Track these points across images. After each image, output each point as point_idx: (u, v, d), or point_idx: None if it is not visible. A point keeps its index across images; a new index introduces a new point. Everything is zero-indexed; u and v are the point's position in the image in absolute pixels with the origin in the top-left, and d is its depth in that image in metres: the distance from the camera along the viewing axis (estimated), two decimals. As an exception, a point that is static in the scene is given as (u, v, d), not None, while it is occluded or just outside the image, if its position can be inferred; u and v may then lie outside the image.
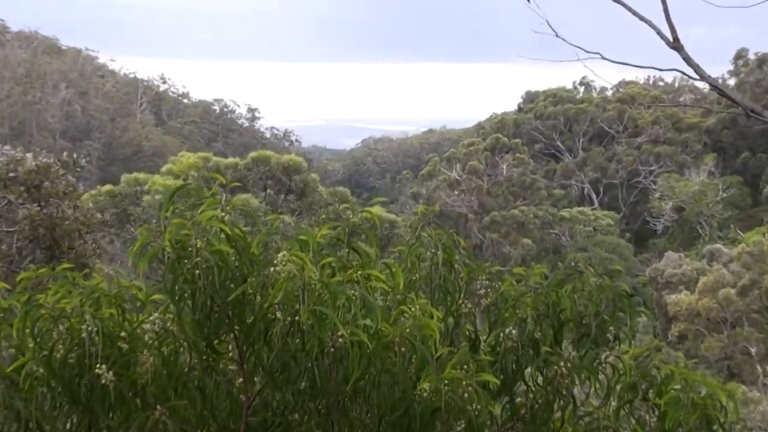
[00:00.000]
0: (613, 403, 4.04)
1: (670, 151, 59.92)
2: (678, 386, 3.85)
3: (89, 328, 3.41)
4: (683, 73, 4.82)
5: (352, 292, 3.48)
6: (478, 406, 3.51)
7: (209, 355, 3.66)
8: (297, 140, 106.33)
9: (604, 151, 63.58)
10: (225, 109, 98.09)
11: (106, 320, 3.51)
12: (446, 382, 3.47)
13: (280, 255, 3.44)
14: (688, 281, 36.89)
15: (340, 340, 3.37)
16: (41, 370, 3.49)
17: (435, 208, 48.52)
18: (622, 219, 56.47)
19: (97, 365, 3.39)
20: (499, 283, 4.18)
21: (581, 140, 65.09)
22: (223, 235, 3.53)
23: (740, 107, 4.73)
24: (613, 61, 4.92)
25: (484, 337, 4.19)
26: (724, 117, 58.73)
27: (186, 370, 3.65)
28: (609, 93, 70.44)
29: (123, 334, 3.60)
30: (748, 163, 59.48)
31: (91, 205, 17.65)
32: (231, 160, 34.25)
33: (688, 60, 4.67)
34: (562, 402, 3.97)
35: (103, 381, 3.39)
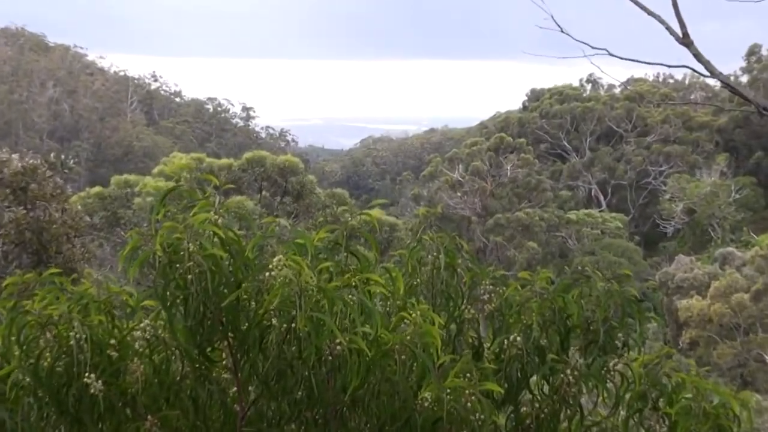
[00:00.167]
0: (621, 412, 4.03)
1: (680, 151, 59.90)
2: (689, 395, 3.84)
3: (77, 336, 3.41)
4: (693, 70, 4.84)
5: (351, 297, 3.48)
6: (482, 416, 3.51)
7: (202, 364, 3.66)
8: (293, 140, 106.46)
9: (612, 151, 63.57)
10: (218, 108, 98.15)
11: (95, 327, 3.51)
12: (448, 391, 3.46)
13: (275, 259, 3.43)
14: (699, 286, 36.88)
15: (338, 347, 3.37)
16: (27, 379, 3.49)
17: (437, 211, 48.49)
18: (631, 221, 56.44)
19: (86, 374, 3.39)
20: (504, 288, 4.18)
21: (588, 140, 65.09)
22: (216, 239, 3.53)
23: (753, 105, 4.74)
24: (620, 58, 4.93)
25: (488, 345, 4.19)
26: (736, 115, 58.71)
27: (178, 379, 3.64)
28: (617, 91, 70.43)
29: (112, 341, 3.59)
30: (761, 163, 59.47)
31: (79, 207, 17.64)
32: (225, 160, 34.23)
33: (698, 56, 4.68)
34: (569, 412, 3.97)
35: (92, 390, 3.39)
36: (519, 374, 3.98)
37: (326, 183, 75.27)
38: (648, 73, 79.31)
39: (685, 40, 4.64)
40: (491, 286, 4.16)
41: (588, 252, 46.26)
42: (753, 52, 63.87)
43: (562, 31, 4.84)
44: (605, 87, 73.76)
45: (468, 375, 3.56)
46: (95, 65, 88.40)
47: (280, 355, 3.40)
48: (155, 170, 33.32)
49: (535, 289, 4.14)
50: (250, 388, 3.78)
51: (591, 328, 4.06)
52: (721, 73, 4.87)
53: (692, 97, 69.01)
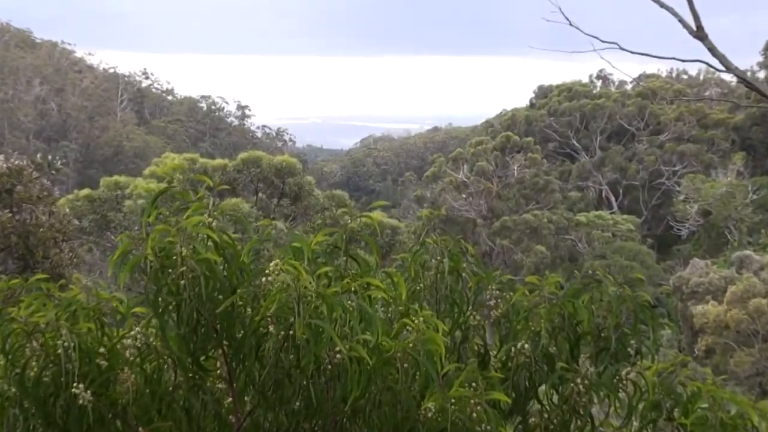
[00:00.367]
0: (634, 423, 4.03)
1: (695, 150, 59.88)
2: (705, 405, 3.84)
3: (65, 344, 3.41)
4: (708, 65, 4.83)
5: (351, 303, 3.48)
6: (488, 427, 3.50)
7: (196, 373, 3.66)
8: (291, 140, 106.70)
9: (624, 150, 63.57)
10: (213, 107, 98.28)
11: (83, 335, 3.51)
12: (453, 400, 3.46)
13: (272, 264, 3.44)
14: (715, 291, 36.82)
15: (338, 355, 3.37)
16: (13, 390, 3.49)
17: (440, 213, 48.50)
18: (643, 224, 56.43)
19: (74, 384, 3.38)
20: (511, 294, 4.18)
21: (599, 138, 65.09)
22: (210, 243, 3.53)
23: (771, 101, 4.73)
24: (632, 52, 4.93)
25: (495, 352, 4.19)
26: (753, 112, 58.67)
27: (170, 389, 3.64)
28: (628, 87, 70.47)
29: (102, 350, 3.60)
30: (779, 162, 59.45)
31: (67, 210, 17.67)
32: (219, 161, 34.26)
33: (713, 50, 4.67)
34: (579, 422, 3.97)
35: (81, 401, 3.38)
36: (527, 383, 3.98)
37: (325, 184, 75.38)
38: (661, 68, 79.38)
39: (700, 34, 4.64)
40: (498, 292, 4.15)
41: (599, 255, 46.22)
42: (771, 46, 63.78)
43: (570, 25, 4.84)
44: (616, 83, 73.86)
45: (473, 384, 3.56)
46: (84, 62, 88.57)
47: (278, 364, 3.39)
48: (146, 171, 33.34)
49: (544, 294, 4.14)
50: (245, 398, 3.78)
51: (602, 335, 4.06)
52: (737, 68, 4.87)
53: (707, 93, 69.01)
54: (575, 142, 65.91)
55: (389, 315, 3.94)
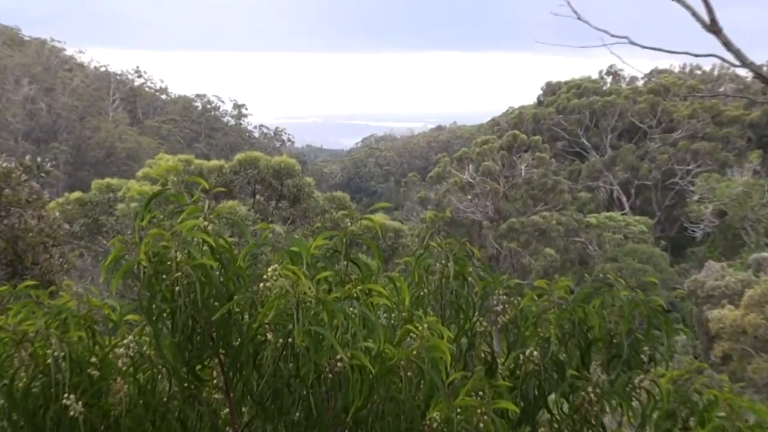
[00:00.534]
0: (648, 433, 4.02)
1: (709, 148, 59.85)
2: (722, 414, 3.83)
3: (55, 354, 3.41)
4: (723, 60, 4.83)
5: (352, 309, 3.47)
6: (496, 438, 3.49)
7: (191, 383, 3.66)
8: (289, 139, 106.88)
9: (636, 149, 63.56)
10: (208, 106, 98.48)
11: (74, 344, 3.51)
12: (459, 410, 3.45)
13: (270, 269, 3.44)
14: (732, 294, 36.78)
15: (339, 364, 3.37)
16: (1, 402, 3.48)
17: (445, 215, 48.51)
18: (656, 225, 56.40)
19: (65, 395, 3.38)
20: (519, 299, 4.17)
21: (609, 136, 65.10)
22: (206, 247, 3.53)
23: (788, 97, 4.73)
24: (643, 47, 4.92)
25: (502, 360, 4.18)
26: (770, 109, 58.66)
27: (165, 399, 3.64)
28: (640, 83, 70.48)
29: (93, 359, 3.59)
30: (798, 160, 59.38)
31: (57, 214, 17.68)
32: (215, 162, 34.26)
33: (727, 44, 4.67)
34: (590, 432, 3.96)
35: (72, 413, 3.38)
36: (536, 392, 3.98)
37: (325, 185, 75.51)
38: (673, 63, 79.46)
39: (713, 27, 4.64)
40: (505, 297, 4.15)
41: (610, 258, 46.20)
42: (788, 39, 63.68)
43: (579, 18, 4.84)
44: (627, 79, 73.83)
45: (480, 393, 3.55)
46: (74, 60, 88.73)
47: (276, 373, 3.39)
48: (139, 173, 33.36)
49: (553, 299, 4.13)
50: (243, 409, 3.78)
51: (614, 341, 4.06)
52: (753, 63, 4.86)
53: (722, 89, 68.93)
54: (585, 141, 65.91)
55: (392, 321, 3.94)
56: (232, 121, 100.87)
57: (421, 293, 4.13)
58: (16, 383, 3.44)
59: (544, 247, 46.43)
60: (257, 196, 32.92)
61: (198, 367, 3.64)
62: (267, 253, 3.79)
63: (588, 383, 3.93)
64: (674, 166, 60.09)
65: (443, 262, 4.10)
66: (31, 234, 14.10)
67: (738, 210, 51.51)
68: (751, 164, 56.48)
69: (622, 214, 54.50)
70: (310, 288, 3.35)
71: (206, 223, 3.54)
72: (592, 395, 3.90)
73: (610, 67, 73.20)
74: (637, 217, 53.23)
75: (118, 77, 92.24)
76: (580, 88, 69.79)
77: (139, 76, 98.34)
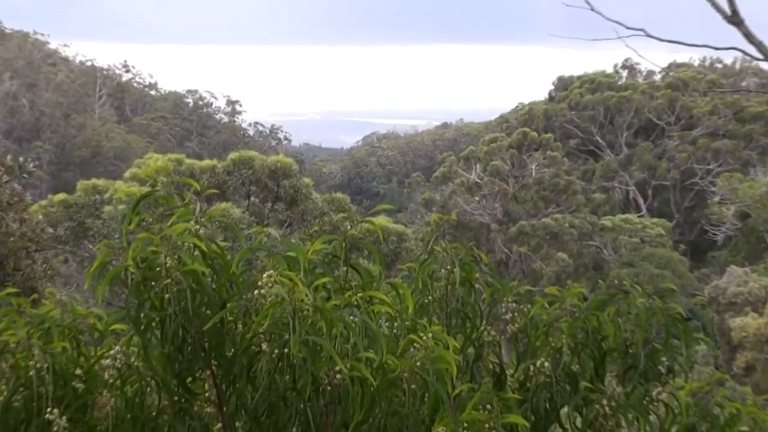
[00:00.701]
0: (667, 448, 4.02)
1: (731, 146, 59.84)
2: (745, 428, 3.83)
3: (38, 365, 3.41)
4: (744, 53, 4.82)
5: (352, 318, 3.47)
6: (505, 454, 3.50)
7: (182, 396, 3.66)
8: (286, 138, 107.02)
9: (653, 147, 63.56)
10: (200, 102, 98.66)
11: (58, 355, 3.51)
12: (465, 425, 3.45)
13: (265, 275, 3.43)
14: (755, 301, 36.75)
15: (338, 376, 3.37)
16: (-19, 416, 3.48)
17: (451, 217, 48.51)
18: (675, 228, 56.38)
19: (48, 409, 3.38)
20: (529, 306, 4.17)
21: (625, 134, 65.11)
22: (197, 253, 3.53)
23: (814, 92, 4.73)
24: (660, 39, 4.92)
25: (511, 371, 4.18)
26: (795, 104, 58.65)
27: (154, 414, 3.64)
28: (657, 78, 70.50)
29: (78, 371, 3.59)
30: (825, 159, 59.35)
31: (41, 217, 17.70)
32: (207, 162, 34.31)
33: (749, 37, 4.67)
34: (605, 448, 3.96)
35: (55, 428, 3.38)
36: (547, 405, 3.97)
37: (324, 186, 75.61)
38: (693, 56, 79.33)
39: (734, 19, 4.63)
40: (514, 304, 4.15)
41: (626, 263, 46.19)
42: (814, 31, 63.68)
43: (592, 9, 4.84)
44: (643, 73, 73.87)
45: (488, 406, 3.55)
46: (58, 54, 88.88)
47: (272, 386, 3.39)
48: (127, 174, 33.42)
49: (566, 306, 4.13)
50: (237, 423, 3.78)
51: (630, 351, 4.05)
52: (776, 56, 4.86)
53: (744, 84, 68.95)
54: (599, 139, 65.91)
55: (395, 331, 3.93)
56: (226, 119, 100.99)
57: (426, 301, 4.13)
58: (-3, 397, 3.44)
59: (556, 251, 46.41)
60: (252, 198, 32.94)
61: (189, 379, 3.64)
62: (262, 258, 3.79)
63: (602, 396, 3.93)
64: (694, 166, 60.06)
65: (449, 267, 4.10)
66: (12, 238, 14.12)
67: (762, 212, 51.45)
68: (775, 163, 56.43)
69: (639, 217, 54.51)
70: (307, 295, 3.35)
71: (198, 226, 3.54)
72: (606, 409, 3.89)
73: (626, 60, 73.32)
74: (655, 220, 53.22)
75: (104, 72, 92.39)
76: (593, 82, 69.80)
77: (127, 71, 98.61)
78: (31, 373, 3.41)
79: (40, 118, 75.74)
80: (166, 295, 3.41)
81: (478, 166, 52.30)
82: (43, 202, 30.08)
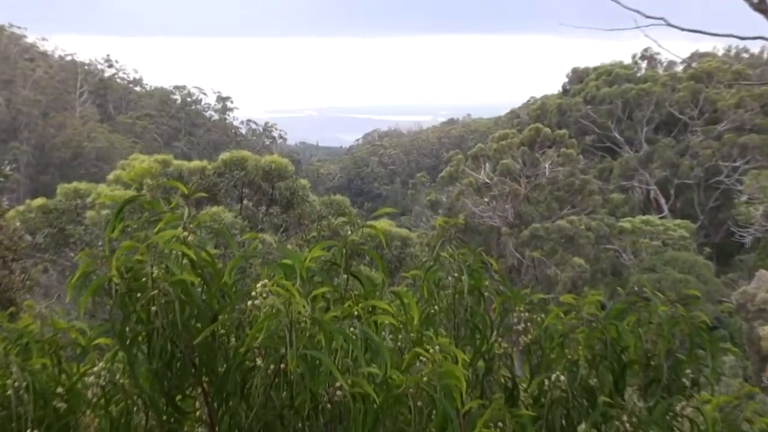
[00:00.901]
0: (692, 467, 4.01)
1: (759, 142, 59.79)
2: (776, 445, 3.82)
3: (16, 384, 3.41)
4: (772, 42, 4.82)
5: (353, 330, 3.47)
6: (518, 475, 3.50)
7: (171, 415, 3.66)
8: (281, 136, 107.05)
9: (675, 143, 63.54)
10: (188, 99, 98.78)
11: (37, 373, 3.51)
12: (476, 444, 3.45)
13: (259, 285, 3.43)
14: (786, 308, 36.71)
15: (339, 392, 3.36)
16: (-44, 438, 3.49)
17: (458, 220, 48.51)
18: (699, 230, 56.34)
19: (28, 430, 3.38)
20: (543, 316, 4.17)
21: (645, 129, 65.11)
22: (186, 261, 3.53)
23: None
24: (681, 29, 4.92)
25: (524, 386, 4.18)
26: (827, 96, 58.61)
27: (141, 434, 3.64)
28: (678, 69, 70.48)
29: (60, 390, 3.59)
30: None
31: (18, 224, 17.72)
32: (197, 163, 34.34)
33: (778, 24, 4.66)
34: (626, 468, 3.95)
35: (36, 450, 3.38)
36: (563, 422, 3.97)
37: (322, 188, 75.70)
38: (717, 46, 79.38)
39: (761, 6, 4.64)
40: (527, 314, 4.15)
41: (647, 268, 46.15)
42: None
43: (609, -3, 4.84)
44: (664, 64, 73.89)
45: (500, 424, 3.55)
46: (36, 49, 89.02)
47: (267, 404, 3.39)
48: (111, 176, 33.43)
49: (582, 315, 4.13)
50: (230, 444, 3.78)
51: (652, 363, 4.05)
52: (807, 45, 4.86)
53: (772, 74, 68.83)
54: (617, 135, 65.90)
55: (399, 343, 3.93)
56: (216, 116, 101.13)
57: (432, 311, 4.13)
58: (-28, 417, 3.44)
59: (571, 256, 46.39)
60: (245, 201, 32.96)
61: (178, 397, 3.64)
62: (256, 266, 3.79)
63: (623, 411, 3.93)
64: (719, 163, 60.01)
65: (456, 274, 4.10)
66: (-12, 247, 14.14)
67: (792, 212, 51.40)
68: (806, 159, 56.38)
69: (660, 218, 54.44)
70: (305, 306, 3.35)
71: (186, 233, 3.54)
72: (627, 425, 3.89)
73: (645, 50, 73.30)
74: (678, 221, 53.16)
75: (86, 67, 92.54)
76: (610, 74, 69.81)
77: (110, 66, 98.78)
78: (9, 392, 3.41)
79: (17, 117, 75.86)
80: (153, 308, 3.41)
81: (487, 165, 52.31)
82: (21, 208, 30.10)
